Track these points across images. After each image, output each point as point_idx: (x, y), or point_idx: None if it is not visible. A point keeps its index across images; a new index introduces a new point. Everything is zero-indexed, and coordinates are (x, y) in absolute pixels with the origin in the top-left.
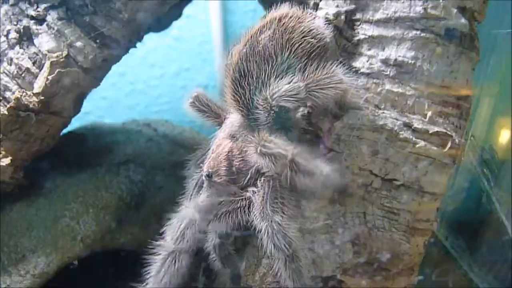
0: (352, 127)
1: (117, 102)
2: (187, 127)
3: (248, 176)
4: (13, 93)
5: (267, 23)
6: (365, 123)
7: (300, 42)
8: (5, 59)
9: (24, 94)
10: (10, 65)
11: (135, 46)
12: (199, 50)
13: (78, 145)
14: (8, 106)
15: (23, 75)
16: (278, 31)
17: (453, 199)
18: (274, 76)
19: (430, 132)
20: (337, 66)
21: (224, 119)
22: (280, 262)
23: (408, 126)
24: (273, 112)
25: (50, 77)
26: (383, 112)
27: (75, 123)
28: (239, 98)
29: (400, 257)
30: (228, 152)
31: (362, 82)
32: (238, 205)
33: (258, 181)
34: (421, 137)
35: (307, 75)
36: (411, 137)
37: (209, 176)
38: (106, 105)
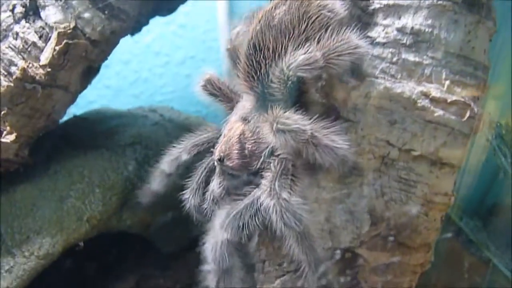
0: (369, 95)
1: (121, 91)
2: (193, 115)
3: (261, 159)
4: (19, 68)
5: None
6: (382, 92)
7: (317, 15)
8: (10, 33)
9: (30, 65)
10: (16, 39)
11: (146, 23)
12: (204, 38)
13: (83, 129)
14: (14, 77)
15: (29, 49)
16: (294, 5)
17: (467, 178)
18: (292, 48)
19: (449, 101)
20: (352, 32)
21: (236, 103)
22: (291, 239)
23: (425, 95)
24: (290, 83)
25: (57, 48)
26: (400, 82)
27: (79, 113)
28: (254, 74)
29: (417, 231)
30: (240, 134)
31: (377, 52)
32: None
33: (271, 164)
34: (439, 106)
35: (323, 44)
36: (429, 105)
37: (220, 160)
38: (110, 94)
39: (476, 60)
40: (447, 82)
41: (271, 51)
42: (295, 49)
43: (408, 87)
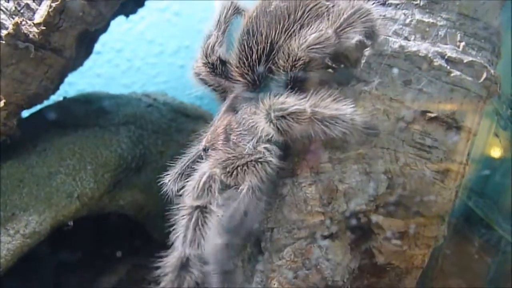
0: (384, 54)
1: (112, 80)
2: (188, 103)
3: (246, 151)
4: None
5: None
6: (397, 50)
7: (315, 3)
8: None
9: (24, 22)
10: (8, 1)
11: None
12: (199, 27)
13: (73, 109)
14: (5, 32)
15: (21, 11)
16: None
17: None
18: (285, 36)
19: (465, 61)
20: None
21: (229, 93)
22: None
23: (441, 55)
24: (300, 65)
25: (53, 5)
26: (414, 42)
27: None
28: (245, 60)
29: (433, 200)
30: (226, 125)
31: (390, 14)
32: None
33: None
34: (455, 66)
35: (333, 20)
36: (445, 65)
37: (205, 150)
38: (101, 83)
39: (489, 24)
40: (462, 44)
41: (264, 37)
42: (290, 36)
43: (423, 46)
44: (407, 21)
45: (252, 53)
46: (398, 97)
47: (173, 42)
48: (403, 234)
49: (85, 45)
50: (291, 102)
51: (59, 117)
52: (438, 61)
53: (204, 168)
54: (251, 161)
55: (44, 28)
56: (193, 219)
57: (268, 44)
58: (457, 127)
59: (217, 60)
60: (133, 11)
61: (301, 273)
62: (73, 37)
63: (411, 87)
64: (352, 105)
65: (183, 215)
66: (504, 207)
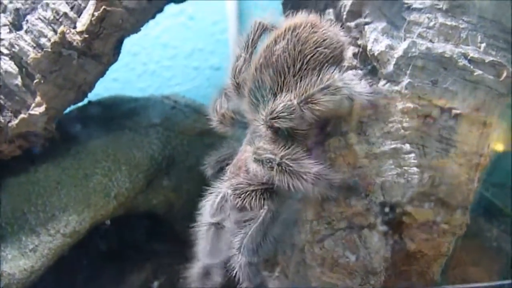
0: (412, 56)
1: (128, 84)
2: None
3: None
4: (49, 39)
5: (282, 33)
6: (424, 52)
7: (312, 53)
8: (39, 5)
9: (68, 31)
10: (46, 11)
11: None
12: (213, 30)
13: (100, 112)
14: (52, 40)
15: (60, 19)
16: (291, 42)
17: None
18: (286, 89)
19: (486, 61)
20: (338, 71)
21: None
22: None
23: (464, 56)
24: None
25: (96, 14)
26: (438, 44)
27: None
28: (253, 109)
29: (459, 190)
30: (247, 158)
31: (414, 17)
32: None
33: None
34: (478, 66)
35: (302, 90)
36: (469, 65)
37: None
38: (117, 87)
39: (507, 26)
40: (483, 45)
41: (268, 91)
42: (289, 90)
43: (448, 48)
44: (431, 24)
45: (260, 104)
46: (426, 96)
47: (187, 45)
48: (433, 223)
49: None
50: (268, 149)
51: (88, 121)
52: (462, 62)
53: (221, 188)
54: (262, 189)
55: (86, 36)
56: (211, 234)
57: (272, 98)
58: (480, 123)
59: (242, 82)
60: (153, 16)
61: (342, 261)
62: (112, 44)
63: (437, 86)
64: (319, 167)
65: (202, 231)
66: None
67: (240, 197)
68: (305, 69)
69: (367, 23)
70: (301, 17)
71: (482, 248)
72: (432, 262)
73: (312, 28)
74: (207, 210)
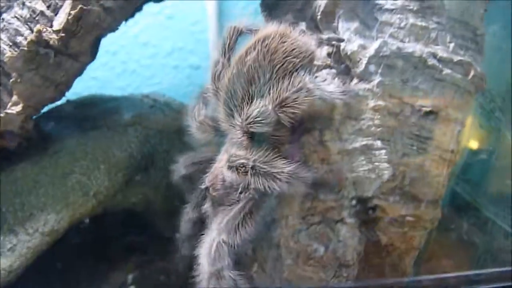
0: (383, 55)
1: (108, 83)
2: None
3: (239, 190)
4: (25, 38)
5: (253, 44)
6: (395, 51)
7: (282, 63)
8: (16, 3)
9: (44, 29)
10: (22, 9)
11: None
12: (192, 29)
13: (78, 111)
14: (28, 39)
15: (36, 18)
16: (261, 52)
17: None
18: (256, 99)
19: (455, 60)
20: (308, 75)
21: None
22: None
23: (434, 55)
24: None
25: (72, 12)
26: (409, 44)
27: None
28: (228, 119)
29: (429, 185)
30: (223, 166)
31: (386, 18)
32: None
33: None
34: (446, 65)
35: (275, 95)
36: (438, 64)
37: (207, 189)
38: (97, 86)
39: (474, 26)
40: (452, 45)
41: (240, 100)
42: (259, 99)
43: (417, 47)
44: (402, 24)
45: (233, 114)
46: (397, 94)
47: (167, 44)
48: (404, 217)
49: (94, 49)
50: (241, 155)
51: (66, 120)
52: (431, 61)
53: (213, 234)
54: (245, 214)
55: (63, 35)
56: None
57: (244, 107)
58: (449, 120)
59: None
60: (132, 15)
61: (316, 254)
62: (89, 43)
63: (408, 84)
64: (291, 167)
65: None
66: (488, 191)
67: (236, 234)
68: (275, 78)
69: (339, 40)
70: (272, 28)
71: (454, 242)
72: (404, 255)
73: (281, 38)
74: (204, 257)
